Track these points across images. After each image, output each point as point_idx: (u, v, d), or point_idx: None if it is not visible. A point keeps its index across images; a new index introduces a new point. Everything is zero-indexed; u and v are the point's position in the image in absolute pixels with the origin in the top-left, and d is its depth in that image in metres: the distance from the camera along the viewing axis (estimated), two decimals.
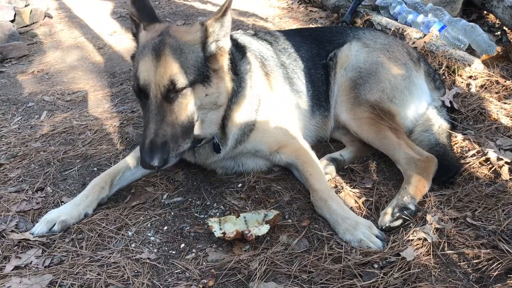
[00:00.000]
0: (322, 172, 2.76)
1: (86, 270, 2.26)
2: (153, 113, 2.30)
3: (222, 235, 2.35)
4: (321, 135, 3.31)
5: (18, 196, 2.90)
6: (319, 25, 5.81)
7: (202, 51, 2.46)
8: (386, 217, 2.43)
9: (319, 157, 2.96)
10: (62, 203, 2.79)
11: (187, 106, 2.40)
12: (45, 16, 6.93)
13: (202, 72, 2.44)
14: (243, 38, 3.12)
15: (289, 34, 3.54)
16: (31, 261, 2.34)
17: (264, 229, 2.34)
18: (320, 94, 3.24)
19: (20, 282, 2.19)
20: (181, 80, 2.33)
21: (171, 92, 2.32)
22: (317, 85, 3.24)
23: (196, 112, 2.48)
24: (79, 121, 3.88)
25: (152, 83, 2.31)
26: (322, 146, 3.30)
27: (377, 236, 2.32)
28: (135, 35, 2.60)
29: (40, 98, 4.47)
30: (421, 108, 3.13)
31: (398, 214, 2.42)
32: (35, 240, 2.46)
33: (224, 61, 2.57)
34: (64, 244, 2.45)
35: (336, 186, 2.82)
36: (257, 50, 3.08)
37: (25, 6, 6.58)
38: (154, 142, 2.26)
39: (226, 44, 2.55)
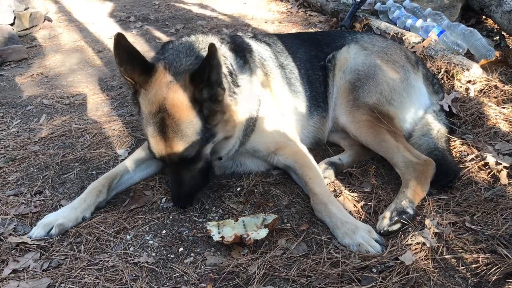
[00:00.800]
0: (321, 176, 2.76)
1: (84, 274, 2.26)
2: (174, 175, 2.63)
3: (221, 239, 2.34)
4: (319, 136, 3.31)
5: (16, 199, 2.89)
6: (318, 30, 5.83)
7: (200, 120, 2.47)
8: (385, 221, 2.43)
9: (318, 161, 2.96)
10: (61, 207, 2.79)
11: (201, 160, 2.61)
12: (44, 20, 6.93)
13: (207, 135, 2.53)
14: (242, 40, 3.13)
15: (287, 37, 3.56)
16: (29, 265, 2.33)
17: (263, 233, 2.34)
18: (317, 95, 3.25)
19: (18, 286, 2.18)
20: (190, 152, 2.51)
21: (185, 160, 2.53)
22: (315, 86, 3.25)
23: (210, 153, 2.67)
24: (78, 125, 3.87)
25: (166, 157, 2.53)
26: (321, 150, 3.30)
27: (376, 240, 2.32)
28: (135, 94, 2.54)
29: (39, 101, 4.47)
30: (419, 111, 3.14)
31: (396, 218, 2.42)
32: (33, 244, 2.45)
33: (224, 102, 2.55)
34: (62, 248, 2.45)
35: (335, 190, 2.82)
36: (256, 52, 3.09)
37: (25, 9, 6.58)
38: (183, 194, 2.63)
39: (220, 92, 2.47)
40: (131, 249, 2.44)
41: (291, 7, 7.06)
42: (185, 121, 2.43)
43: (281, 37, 3.50)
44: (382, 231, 2.40)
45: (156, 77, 2.46)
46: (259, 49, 3.15)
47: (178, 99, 2.41)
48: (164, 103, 2.41)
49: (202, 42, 2.79)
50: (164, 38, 6.22)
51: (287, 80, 3.16)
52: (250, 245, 2.34)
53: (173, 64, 2.52)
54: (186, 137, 2.45)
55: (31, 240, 2.48)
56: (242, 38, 3.19)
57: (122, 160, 3.16)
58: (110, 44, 6.15)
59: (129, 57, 2.42)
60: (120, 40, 2.37)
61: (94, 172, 3.17)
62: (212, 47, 2.24)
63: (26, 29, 6.57)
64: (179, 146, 2.45)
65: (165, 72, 2.46)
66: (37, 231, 2.53)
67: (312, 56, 3.34)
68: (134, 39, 6.28)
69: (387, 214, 2.46)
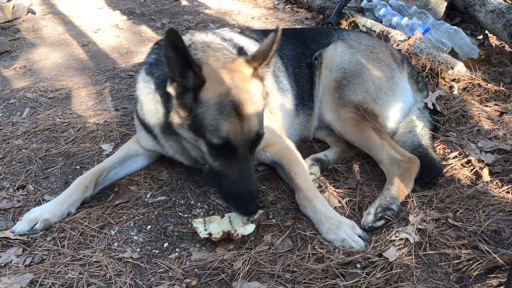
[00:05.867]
0: (307, 172, 2.77)
1: (68, 269, 2.24)
2: (244, 166, 2.42)
3: (208, 236, 2.34)
4: (305, 134, 3.32)
5: None
6: (305, 26, 5.84)
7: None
8: (369, 218, 2.45)
9: (304, 157, 2.97)
10: (44, 201, 2.76)
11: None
12: (28, 12, 6.81)
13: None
14: (230, 35, 3.10)
15: None
16: (11, 260, 2.31)
17: (250, 228, 2.34)
18: (304, 93, 3.26)
19: None
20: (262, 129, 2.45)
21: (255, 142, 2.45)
22: (302, 84, 3.26)
23: None
24: (62, 119, 3.83)
25: (240, 141, 2.34)
26: (306, 146, 3.32)
27: (359, 236, 2.34)
28: (196, 89, 2.31)
29: (22, 94, 4.41)
30: (404, 109, 3.17)
31: (381, 214, 2.44)
32: (16, 239, 2.42)
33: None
34: (45, 243, 2.42)
35: (320, 186, 2.84)
36: (247, 47, 3.07)
37: (8, 1, 6.45)
38: (255, 195, 2.45)
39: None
40: (115, 244, 2.43)
41: (278, 3, 7.05)
42: (257, 92, 2.44)
43: (267, 33, 3.48)
44: (366, 227, 2.43)
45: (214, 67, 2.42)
46: (249, 44, 3.14)
47: (244, 75, 2.43)
48: (232, 86, 2.33)
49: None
50: (150, 32, 6.17)
51: (275, 77, 3.16)
52: (238, 240, 2.34)
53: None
54: (259, 111, 2.41)
55: (14, 235, 2.44)
56: (230, 33, 3.16)
57: (107, 155, 3.14)
58: (95, 37, 6.08)
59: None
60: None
61: (78, 167, 3.13)
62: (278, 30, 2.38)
63: (8, 21, 6.45)
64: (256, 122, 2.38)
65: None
66: (21, 225, 2.49)
67: (298, 53, 3.34)
68: (119, 32, 6.22)
69: (372, 210, 2.48)
